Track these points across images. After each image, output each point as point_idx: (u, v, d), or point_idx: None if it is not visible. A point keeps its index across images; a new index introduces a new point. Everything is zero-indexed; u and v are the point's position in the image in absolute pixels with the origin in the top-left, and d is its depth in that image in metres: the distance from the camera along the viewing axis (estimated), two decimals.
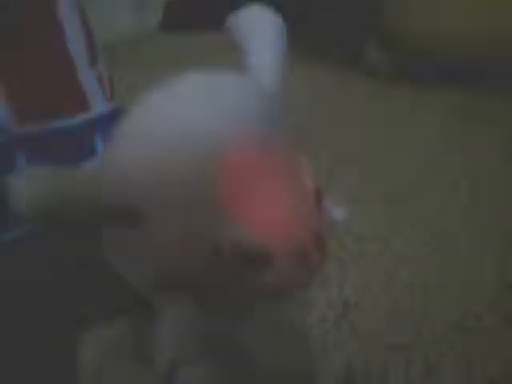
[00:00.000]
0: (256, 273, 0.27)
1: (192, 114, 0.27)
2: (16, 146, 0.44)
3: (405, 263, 0.63)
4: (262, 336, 0.31)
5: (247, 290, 0.28)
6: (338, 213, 0.33)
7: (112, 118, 0.49)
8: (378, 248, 0.66)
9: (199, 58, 1.11)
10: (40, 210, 0.24)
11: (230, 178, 0.26)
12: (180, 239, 0.27)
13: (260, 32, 0.31)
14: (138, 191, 0.26)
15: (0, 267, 0.40)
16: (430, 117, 0.99)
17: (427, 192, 0.77)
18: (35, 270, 0.39)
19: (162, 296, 0.30)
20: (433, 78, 1.10)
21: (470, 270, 0.62)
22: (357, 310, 0.57)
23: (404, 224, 0.70)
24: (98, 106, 0.49)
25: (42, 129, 0.45)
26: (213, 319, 0.30)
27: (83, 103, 0.47)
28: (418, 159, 0.86)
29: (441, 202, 0.75)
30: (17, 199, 0.24)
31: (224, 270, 0.27)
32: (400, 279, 0.61)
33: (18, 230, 0.41)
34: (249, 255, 0.26)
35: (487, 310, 0.56)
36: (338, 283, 0.60)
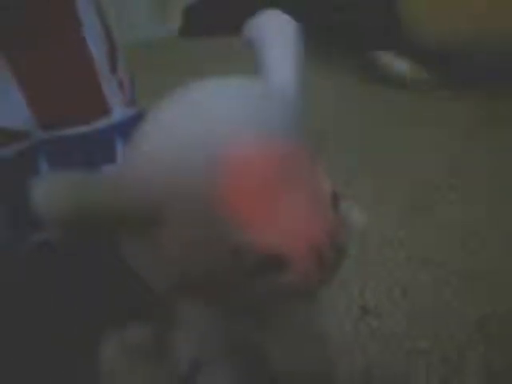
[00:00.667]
0: (272, 275, 0.27)
1: (209, 121, 0.27)
2: (39, 151, 0.44)
3: (425, 266, 0.63)
4: (282, 338, 0.32)
5: (265, 292, 0.28)
6: (357, 215, 0.34)
7: (133, 123, 0.50)
8: (398, 250, 0.66)
9: (219, 63, 1.12)
10: (61, 215, 0.24)
11: (245, 182, 0.26)
12: (198, 243, 0.27)
13: (276, 36, 0.31)
14: (154, 195, 0.27)
15: (27, 267, 0.41)
16: (452, 118, 0.98)
17: (449, 194, 0.76)
18: (59, 271, 0.40)
19: (184, 298, 0.30)
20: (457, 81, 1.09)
21: (493, 274, 0.61)
22: (376, 312, 0.56)
23: (424, 226, 0.69)
24: (119, 110, 0.49)
25: (63, 134, 0.45)
26: (234, 321, 0.30)
27: (104, 108, 0.48)
28: (440, 161, 0.85)
29: (463, 204, 0.74)
30: (38, 204, 0.24)
31: (242, 272, 0.27)
32: (420, 282, 0.61)
33: (45, 231, 0.42)
34: (264, 257, 0.26)
35: (511, 313, 0.56)
36: (358, 286, 0.60)
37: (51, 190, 0.25)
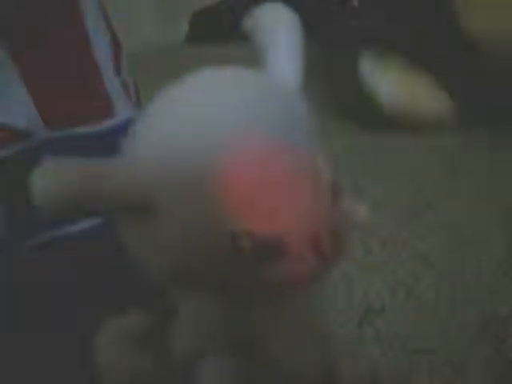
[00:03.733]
0: (271, 262, 0.27)
1: (210, 110, 0.28)
2: (43, 151, 0.45)
3: (428, 267, 0.63)
4: (283, 329, 0.32)
5: (264, 281, 0.28)
6: (360, 211, 0.33)
7: None
8: (402, 251, 0.65)
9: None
10: (60, 200, 0.25)
11: (246, 169, 0.27)
12: (198, 231, 0.27)
13: (276, 28, 0.31)
14: (155, 181, 0.27)
15: (30, 268, 0.41)
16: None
17: (452, 197, 0.76)
18: (57, 268, 0.40)
19: (184, 287, 0.30)
20: None
21: (496, 275, 0.61)
22: (381, 314, 0.56)
23: (429, 228, 0.69)
24: (123, 112, 0.49)
25: (68, 134, 0.45)
26: (234, 311, 0.30)
27: (108, 109, 0.48)
28: (444, 164, 0.85)
29: (466, 207, 0.74)
30: (36, 192, 0.25)
31: (241, 260, 0.27)
32: (425, 283, 0.60)
33: (49, 232, 0.42)
34: (263, 244, 0.27)
35: None
36: (362, 287, 0.60)
37: (50, 176, 0.25)
